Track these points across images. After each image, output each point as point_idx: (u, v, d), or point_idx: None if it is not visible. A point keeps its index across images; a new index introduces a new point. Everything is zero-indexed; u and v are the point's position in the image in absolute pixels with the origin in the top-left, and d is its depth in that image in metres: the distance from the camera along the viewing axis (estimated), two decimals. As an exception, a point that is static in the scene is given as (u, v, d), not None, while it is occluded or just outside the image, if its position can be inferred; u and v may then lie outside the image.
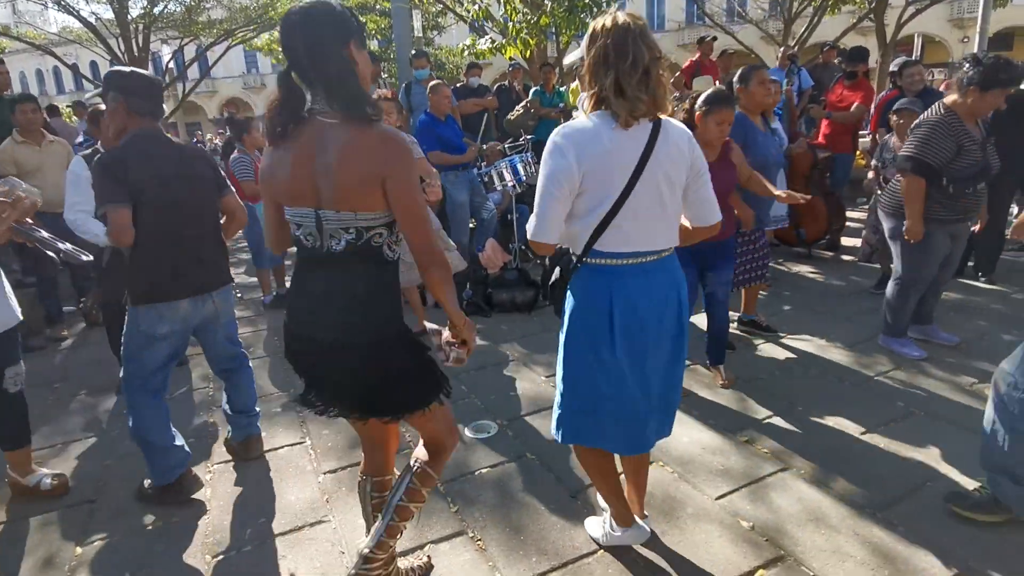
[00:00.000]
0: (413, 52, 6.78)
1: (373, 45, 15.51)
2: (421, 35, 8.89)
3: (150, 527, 2.35)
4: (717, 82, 6.86)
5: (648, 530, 2.09)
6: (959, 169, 3.08)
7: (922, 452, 2.57)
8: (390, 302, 1.55)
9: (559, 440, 1.90)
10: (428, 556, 2.08)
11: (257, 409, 2.80)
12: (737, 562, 2.00)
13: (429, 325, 1.81)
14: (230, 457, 2.80)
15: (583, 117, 1.67)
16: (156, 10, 12.44)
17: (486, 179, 5.22)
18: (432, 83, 5.09)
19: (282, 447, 2.89)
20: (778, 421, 2.88)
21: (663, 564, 2.01)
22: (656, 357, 1.78)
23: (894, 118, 4.20)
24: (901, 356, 3.46)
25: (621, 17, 1.61)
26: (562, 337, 1.82)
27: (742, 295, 3.87)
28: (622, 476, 2.11)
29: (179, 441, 2.46)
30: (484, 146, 5.55)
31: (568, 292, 1.79)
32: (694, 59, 7.23)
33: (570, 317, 1.79)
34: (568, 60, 2.11)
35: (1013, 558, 1.94)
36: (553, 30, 7.58)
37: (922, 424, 2.79)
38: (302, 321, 1.58)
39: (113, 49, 12.48)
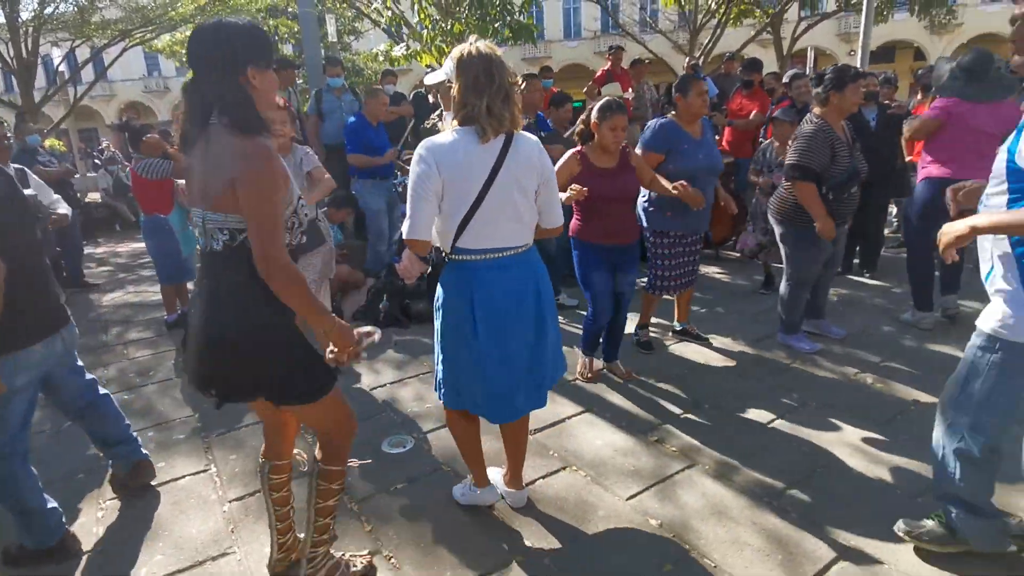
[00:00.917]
0: (325, 58, 6.62)
1: (287, 50, 15.00)
2: (336, 40, 8.69)
3: (30, 576, 2.15)
4: (630, 89, 7.12)
5: (499, 493, 2.37)
6: (834, 175, 3.33)
7: (815, 440, 2.75)
8: (265, 299, 1.58)
9: (441, 401, 2.16)
10: (370, 556, 2.10)
11: (134, 433, 2.62)
12: (646, 560, 2.06)
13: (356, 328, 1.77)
14: (121, 492, 2.61)
15: (447, 131, 1.91)
16: (47, 11, 11.53)
17: (400, 188, 5.18)
18: (372, 88, 5.23)
19: (183, 477, 2.73)
20: (687, 419, 3.00)
21: (577, 569, 2.05)
22: (518, 339, 2.02)
23: (773, 127, 4.52)
24: (797, 351, 3.70)
25: (483, 47, 1.87)
26: (437, 323, 2.10)
27: (675, 303, 4.01)
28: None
29: (52, 503, 2.23)
30: (403, 154, 5.51)
31: (439, 284, 2.07)
32: (605, 68, 7.44)
33: (441, 306, 2.06)
34: (430, 81, 2.10)
35: (890, 535, 2.10)
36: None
37: (815, 414, 2.99)
38: (193, 315, 1.68)
39: (1, 54, 11.47)
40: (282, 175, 1.54)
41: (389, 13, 7.60)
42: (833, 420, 2.91)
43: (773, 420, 2.95)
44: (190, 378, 1.72)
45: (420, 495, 2.49)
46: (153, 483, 2.65)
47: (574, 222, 3.20)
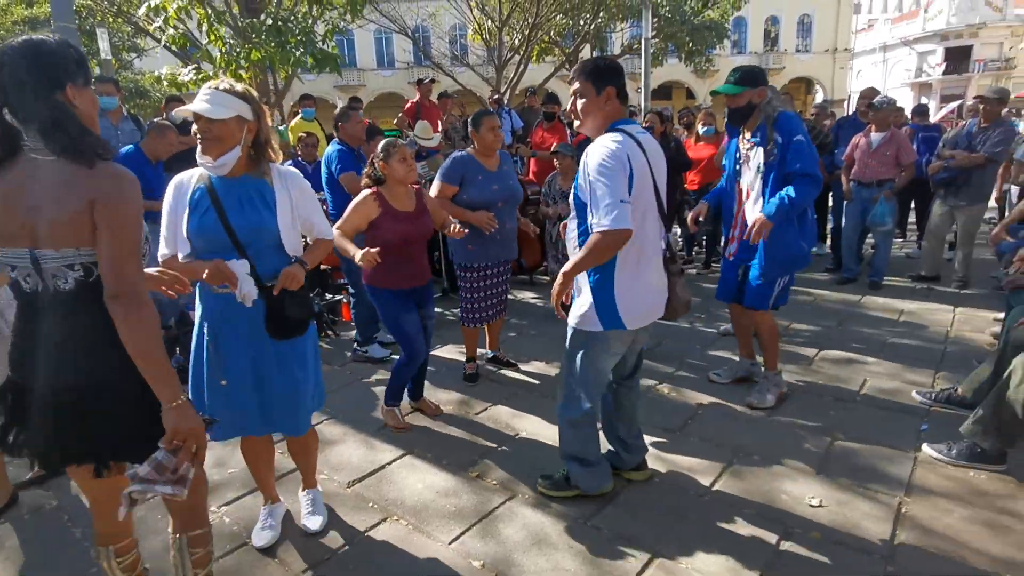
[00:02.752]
0: (96, 77, 5.79)
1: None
2: (109, 57, 7.66)
3: None
4: (440, 121, 7.23)
5: (267, 512, 2.42)
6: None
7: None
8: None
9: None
10: None
11: None
12: (468, 607, 2.02)
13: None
14: None
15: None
16: None
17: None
18: (158, 120, 4.60)
19: None
20: (504, 449, 3.04)
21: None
22: (257, 368, 2.07)
23: (555, 160, 4.94)
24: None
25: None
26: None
27: (486, 331, 4.05)
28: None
29: None
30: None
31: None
32: (415, 100, 7.50)
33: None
34: (217, 115, 1.85)
35: (690, 536, 2.30)
36: (268, 64, 7.18)
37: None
38: (26, 367, 1.47)
39: None
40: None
41: (172, 31, 6.87)
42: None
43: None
44: (31, 451, 1.50)
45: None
46: None
47: (368, 270, 3.00)
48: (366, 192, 3.00)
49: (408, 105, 7.41)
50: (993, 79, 32.68)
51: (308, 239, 2.23)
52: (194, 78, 6.95)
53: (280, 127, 6.87)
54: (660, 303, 2.35)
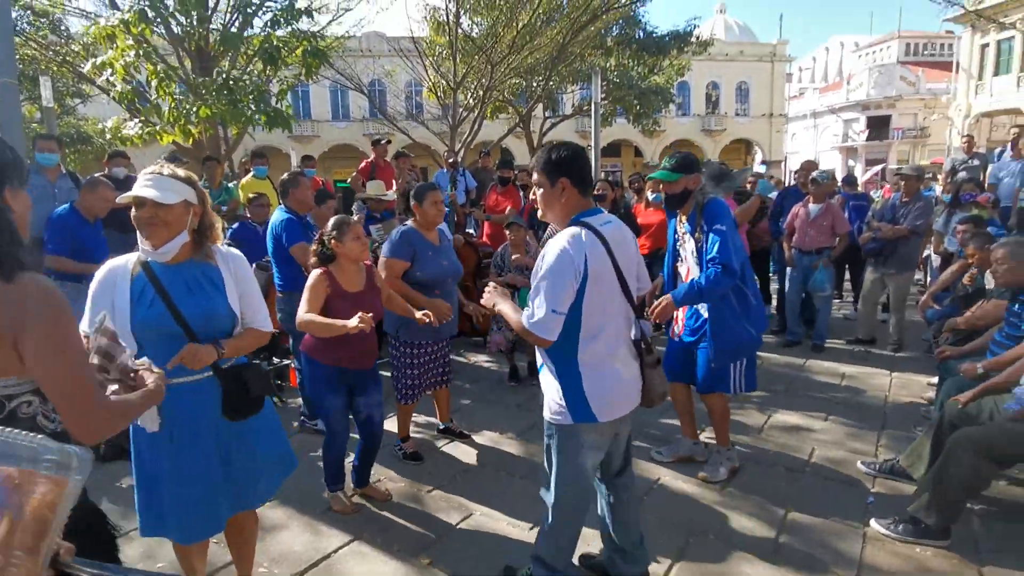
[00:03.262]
0: (37, 134, 5.58)
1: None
2: (52, 104, 7.39)
3: None
4: (395, 182, 7.25)
5: None
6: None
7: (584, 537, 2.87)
8: None
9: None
10: None
11: None
12: None
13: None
14: None
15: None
16: None
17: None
18: (93, 178, 4.38)
19: None
20: (460, 530, 2.93)
21: None
22: (223, 451, 1.99)
23: (507, 232, 4.96)
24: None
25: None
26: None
27: (434, 402, 3.96)
28: None
29: None
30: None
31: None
32: (370, 160, 7.48)
33: None
34: (167, 200, 1.74)
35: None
36: (220, 122, 7.10)
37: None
38: None
39: None
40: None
41: (119, 88, 6.72)
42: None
43: (537, 522, 3.01)
44: None
45: None
46: None
47: (310, 339, 2.94)
48: (317, 273, 2.90)
49: (363, 164, 7.40)
50: (910, 146, 35.52)
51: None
52: (140, 132, 6.79)
53: (230, 184, 6.73)
54: (634, 392, 2.25)
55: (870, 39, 44.23)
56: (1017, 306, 3.32)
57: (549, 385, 2.20)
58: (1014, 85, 23.96)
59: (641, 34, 16.93)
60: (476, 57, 12.72)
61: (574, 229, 2.10)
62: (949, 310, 4.78)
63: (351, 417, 3.11)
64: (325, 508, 3.12)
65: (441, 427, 4.00)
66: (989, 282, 4.17)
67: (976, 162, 7.85)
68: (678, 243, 3.35)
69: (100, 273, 1.91)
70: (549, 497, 2.27)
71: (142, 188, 1.82)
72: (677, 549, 2.75)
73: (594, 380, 2.13)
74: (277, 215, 4.00)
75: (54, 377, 1.25)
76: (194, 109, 6.47)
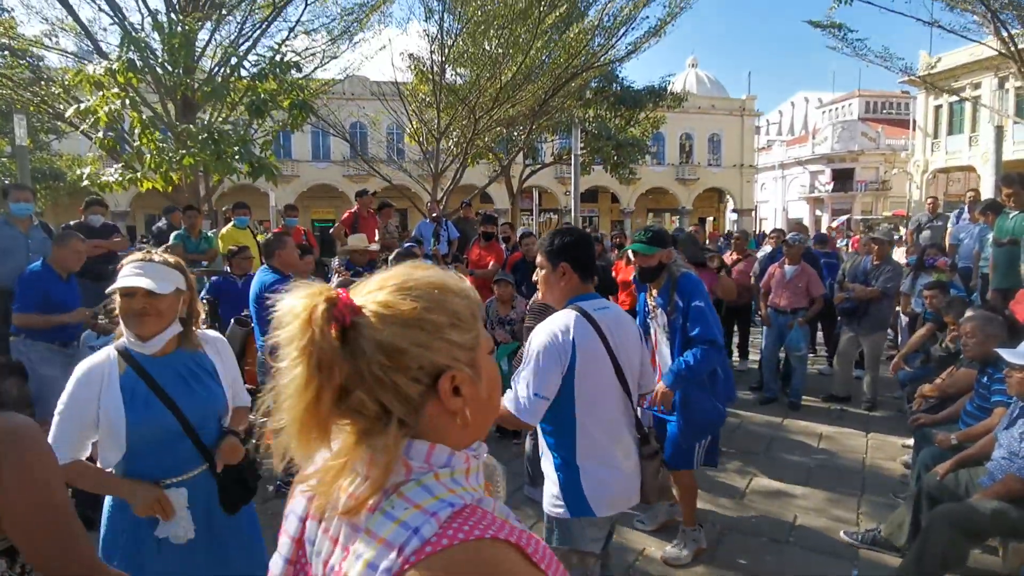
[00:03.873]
0: (10, 184, 5.48)
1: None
2: (25, 143, 7.29)
3: None
4: (378, 230, 7.28)
5: None
6: None
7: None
8: None
9: None
10: None
11: None
12: None
13: None
14: None
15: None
16: None
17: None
18: (62, 233, 4.26)
19: None
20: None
21: None
22: (216, 555, 1.86)
23: (495, 288, 5.03)
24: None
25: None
26: None
27: None
28: None
29: None
30: (103, 310, 4.62)
31: None
32: (353, 211, 7.54)
33: None
34: (161, 289, 1.69)
35: None
36: (202, 170, 7.08)
37: None
38: None
39: None
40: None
41: (101, 134, 6.68)
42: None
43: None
44: None
45: None
46: None
47: None
48: None
49: (345, 215, 7.44)
50: (873, 198, 36.99)
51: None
52: (119, 179, 6.73)
53: (210, 233, 6.68)
54: (632, 487, 2.21)
55: (833, 96, 46.46)
56: (985, 378, 3.43)
57: (548, 478, 2.17)
58: (966, 144, 25.32)
59: (618, 88, 17.56)
60: (459, 108, 13.00)
61: (566, 312, 2.12)
62: (921, 372, 4.92)
63: None
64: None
65: None
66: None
67: (940, 223, 8.22)
68: (648, 316, 3.31)
69: (80, 372, 1.75)
70: None
71: (133, 277, 1.71)
72: (666, 629, 2.71)
73: (591, 475, 2.10)
74: (262, 276, 3.96)
75: (20, 525, 1.06)
76: (177, 157, 6.45)
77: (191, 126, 6.99)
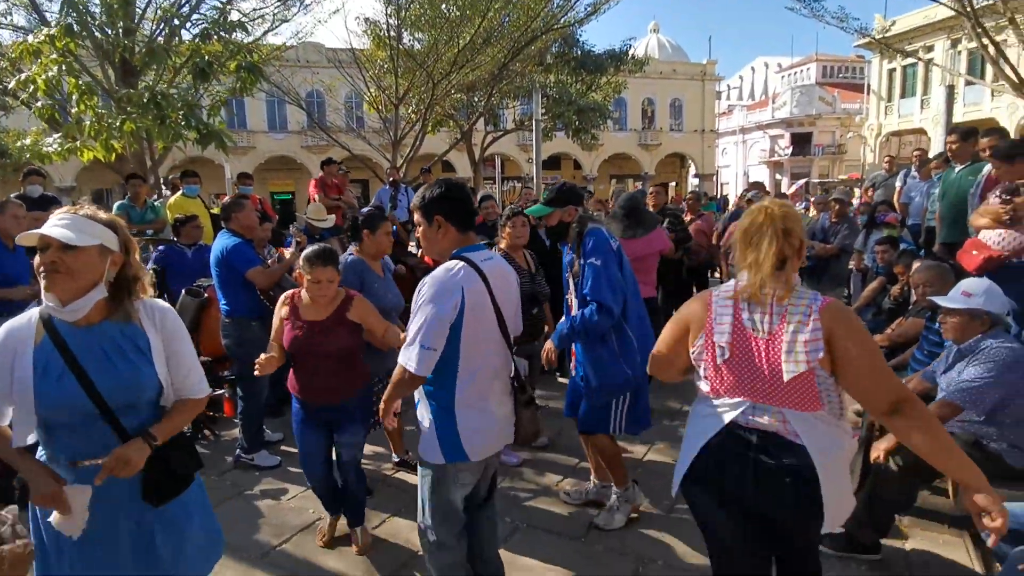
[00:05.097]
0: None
1: None
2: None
3: None
4: (347, 192, 7.07)
5: None
6: None
7: (534, 570, 2.84)
8: None
9: None
10: None
11: None
12: None
13: None
14: None
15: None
16: None
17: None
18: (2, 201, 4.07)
19: None
20: (404, 573, 2.84)
21: None
22: (143, 549, 1.70)
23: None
24: (505, 463, 3.87)
25: None
26: None
27: (386, 434, 3.84)
28: None
29: None
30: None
31: None
32: (319, 178, 7.61)
33: None
34: (77, 241, 1.60)
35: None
36: (145, 137, 6.73)
37: (528, 538, 3.11)
38: None
39: None
40: None
41: (42, 103, 6.27)
42: (542, 542, 3.06)
43: (491, 553, 2.97)
44: None
45: None
46: None
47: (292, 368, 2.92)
48: (286, 294, 2.91)
49: (314, 181, 7.52)
50: (830, 161, 37.78)
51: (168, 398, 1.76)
52: (59, 149, 6.36)
53: (156, 203, 6.40)
54: (507, 431, 2.27)
55: (791, 61, 46.91)
56: (936, 324, 3.54)
57: (424, 424, 2.19)
58: (918, 107, 25.96)
59: (579, 52, 17.34)
60: (417, 73, 12.66)
61: (451, 263, 2.10)
62: (872, 324, 5.07)
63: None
64: (263, 553, 2.98)
65: (396, 460, 3.90)
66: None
67: (895, 182, 8.42)
68: (566, 274, 3.24)
69: None
70: (425, 533, 2.26)
71: (50, 227, 1.52)
72: (628, 577, 2.76)
73: (468, 421, 2.13)
74: (223, 240, 3.83)
75: None
76: (117, 123, 6.11)
77: (131, 90, 6.63)
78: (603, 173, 35.74)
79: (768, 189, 18.42)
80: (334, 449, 2.97)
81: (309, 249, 2.81)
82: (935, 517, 3.20)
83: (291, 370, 2.90)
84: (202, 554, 1.84)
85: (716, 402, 1.82)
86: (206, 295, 4.51)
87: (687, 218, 7.29)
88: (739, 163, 42.74)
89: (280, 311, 2.87)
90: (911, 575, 2.76)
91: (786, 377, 1.65)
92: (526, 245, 4.15)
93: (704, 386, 1.86)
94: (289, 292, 2.91)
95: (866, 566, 2.80)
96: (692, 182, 38.76)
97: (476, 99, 15.82)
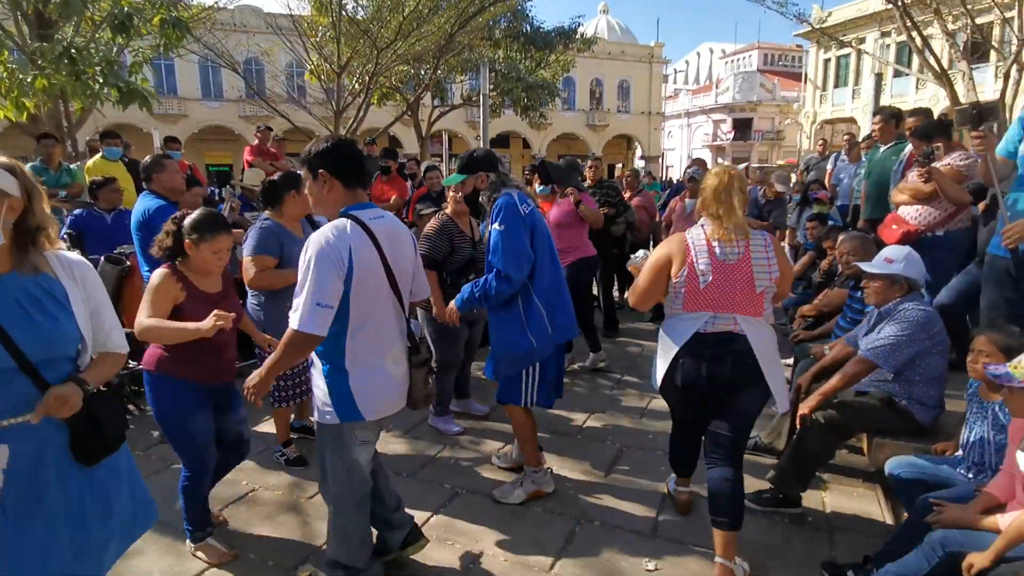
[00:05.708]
0: None
1: None
2: None
3: None
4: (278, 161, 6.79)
5: None
6: (451, 263, 3.68)
7: (470, 534, 2.85)
8: None
9: None
10: None
11: None
12: None
13: None
14: None
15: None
16: None
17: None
18: None
19: None
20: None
21: None
22: (72, 516, 1.58)
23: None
24: (446, 434, 3.86)
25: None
26: None
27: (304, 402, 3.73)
28: None
29: None
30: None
31: None
32: (254, 145, 7.40)
33: None
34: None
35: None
36: (59, 94, 6.23)
37: (467, 503, 3.12)
38: None
39: None
40: None
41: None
42: (484, 509, 3.07)
43: (427, 518, 2.96)
44: None
45: None
46: None
47: (156, 351, 2.45)
48: (162, 272, 2.44)
49: (249, 148, 7.30)
50: (769, 147, 39.10)
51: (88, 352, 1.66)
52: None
53: (72, 166, 5.95)
54: (401, 393, 2.28)
55: (735, 47, 48.03)
56: (859, 293, 3.72)
57: (317, 386, 2.17)
58: (850, 97, 27.13)
59: (528, 28, 17.18)
60: (361, 41, 12.23)
61: (339, 221, 2.06)
62: (802, 297, 5.29)
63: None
64: (191, 525, 2.85)
65: (296, 425, 3.75)
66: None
67: (827, 165, 8.77)
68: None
69: None
70: (329, 499, 2.25)
71: None
72: (565, 539, 2.80)
73: (361, 380, 2.11)
74: (145, 201, 3.57)
75: None
76: (29, 79, 5.64)
77: (45, 44, 6.12)
78: (551, 153, 35.74)
79: (709, 167, 18.93)
80: (227, 432, 2.65)
81: (200, 216, 2.44)
82: (851, 473, 3.40)
83: (171, 356, 2.43)
84: (130, 522, 1.77)
85: (686, 316, 2.35)
86: (128, 263, 4.25)
87: (626, 195, 7.37)
88: (684, 146, 43.66)
89: (167, 290, 2.39)
90: (829, 525, 2.91)
91: (758, 289, 2.29)
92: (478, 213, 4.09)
93: (678, 306, 2.37)
94: (165, 268, 2.46)
95: (788, 519, 2.94)
96: (639, 164, 39.38)
97: (423, 72, 15.47)
